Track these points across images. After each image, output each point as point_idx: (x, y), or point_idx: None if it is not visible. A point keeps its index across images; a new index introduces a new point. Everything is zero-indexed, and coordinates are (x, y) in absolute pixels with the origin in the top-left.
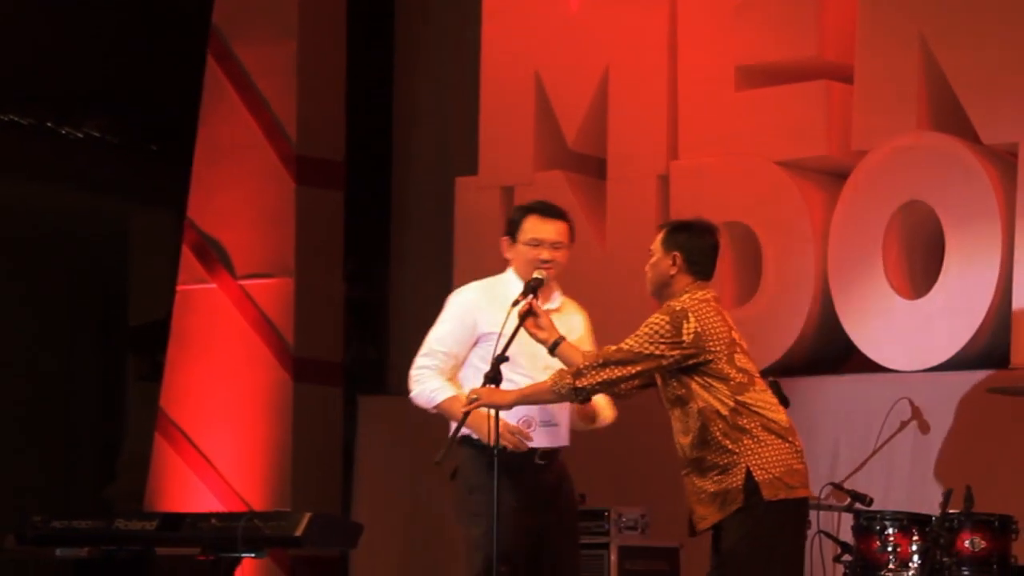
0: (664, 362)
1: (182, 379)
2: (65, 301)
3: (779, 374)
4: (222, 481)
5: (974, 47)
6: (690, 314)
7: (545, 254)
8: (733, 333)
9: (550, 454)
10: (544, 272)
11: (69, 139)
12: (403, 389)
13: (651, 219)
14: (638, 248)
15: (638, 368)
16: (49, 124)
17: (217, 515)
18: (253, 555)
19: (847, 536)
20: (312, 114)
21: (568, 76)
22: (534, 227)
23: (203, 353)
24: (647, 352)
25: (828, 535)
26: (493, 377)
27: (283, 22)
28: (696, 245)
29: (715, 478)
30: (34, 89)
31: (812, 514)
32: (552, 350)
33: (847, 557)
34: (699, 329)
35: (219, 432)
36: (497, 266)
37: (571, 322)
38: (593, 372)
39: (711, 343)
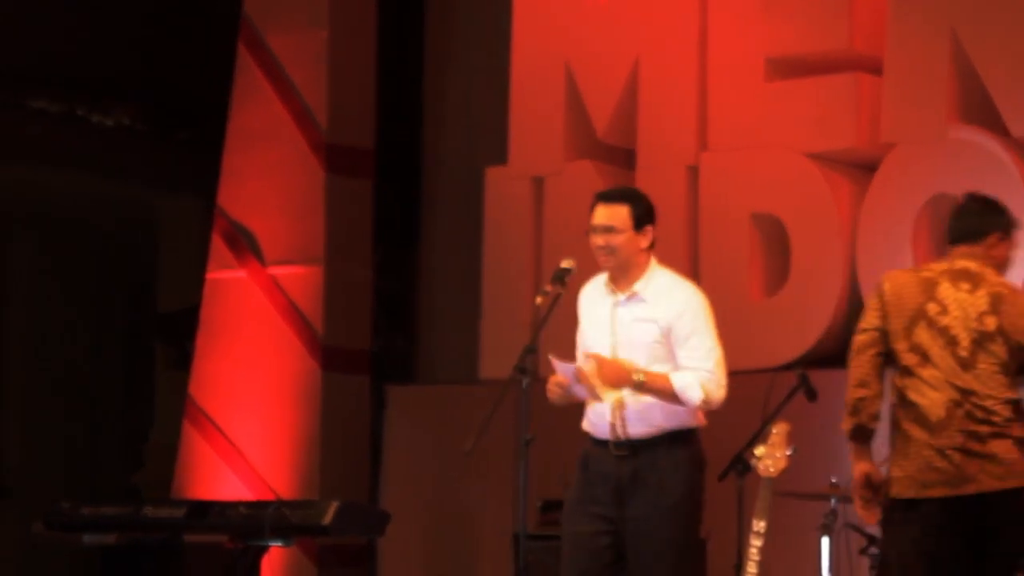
0: (869, 334)
1: (211, 367)
2: (94, 289)
3: (807, 366)
4: (250, 469)
5: (1005, 40)
6: (884, 282)
7: (599, 240)
8: (930, 305)
9: (627, 444)
10: (572, 262)
11: (99, 127)
12: (431, 378)
13: (680, 210)
14: (667, 238)
15: (857, 354)
16: (79, 112)
17: (245, 503)
18: (281, 543)
19: (874, 529)
20: (342, 102)
21: (598, 67)
22: (592, 214)
23: (232, 341)
24: (863, 327)
25: (854, 528)
26: (522, 368)
27: (314, 10)
28: None
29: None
30: (64, 76)
31: (840, 507)
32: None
33: (873, 550)
34: (887, 298)
35: (247, 420)
36: (525, 255)
37: (647, 311)
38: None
39: (892, 311)
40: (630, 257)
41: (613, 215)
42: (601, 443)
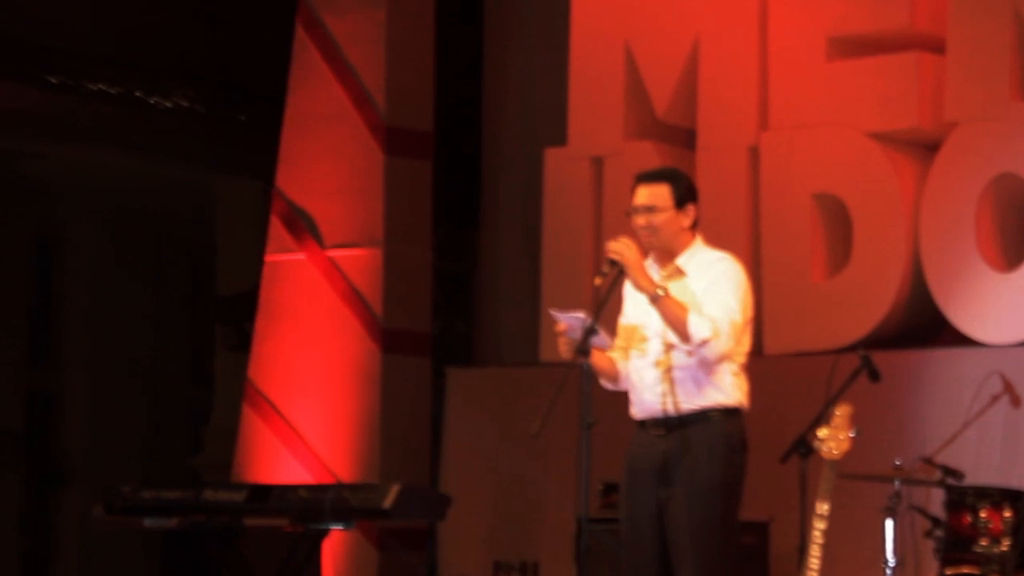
0: None
1: (270, 349)
2: (154, 271)
3: (870, 347)
4: (310, 452)
5: None
6: None
7: (641, 220)
8: None
9: (662, 423)
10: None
11: (158, 109)
12: (492, 360)
13: (741, 190)
14: (727, 219)
15: None
16: (138, 94)
17: (305, 487)
18: (341, 526)
19: (938, 511)
20: (401, 84)
21: (658, 46)
22: (633, 196)
23: (291, 323)
24: None
25: (919, 510)
26: (584, 350)
27: None
28: None
29: None
30: (123, 59)
31: (903, 489)
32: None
33: (938, 532)
34: None
35: (307, 403)
36: (584, 235)
37: (690, 285)
38: None
39: None
40: (673, 236)
41: (654, 195)
42: (641, 425)
